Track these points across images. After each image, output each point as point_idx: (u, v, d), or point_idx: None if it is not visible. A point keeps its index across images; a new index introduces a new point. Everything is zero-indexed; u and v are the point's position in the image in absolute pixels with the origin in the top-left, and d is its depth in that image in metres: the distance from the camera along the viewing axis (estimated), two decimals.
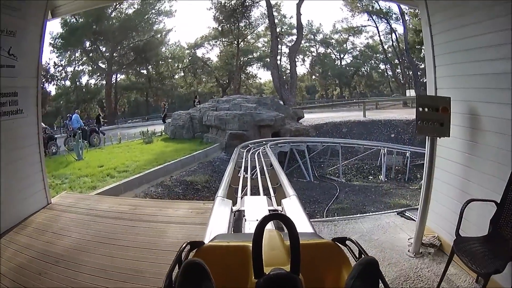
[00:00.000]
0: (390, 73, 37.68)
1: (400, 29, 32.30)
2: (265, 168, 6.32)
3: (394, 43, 33.49)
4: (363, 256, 1.30)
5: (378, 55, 36.95)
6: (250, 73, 37.80)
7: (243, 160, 8.14)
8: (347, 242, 1.46)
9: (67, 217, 4.83)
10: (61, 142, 14.67)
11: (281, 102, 21.61)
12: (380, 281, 1.18)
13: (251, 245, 1.18)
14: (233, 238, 1.72)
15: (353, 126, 17.80)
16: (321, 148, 14.75)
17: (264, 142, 12.70)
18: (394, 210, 5.06)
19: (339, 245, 1.48)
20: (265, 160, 7.48)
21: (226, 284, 1.36)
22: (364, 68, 38.46)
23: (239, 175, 6.03)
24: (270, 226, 1.80)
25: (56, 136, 16.34)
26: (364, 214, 4.96)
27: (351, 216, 4.94)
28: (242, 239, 1.53)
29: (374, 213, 4.97)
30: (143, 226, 4.15)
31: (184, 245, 1.39)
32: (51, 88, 31.88)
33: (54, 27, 33.82)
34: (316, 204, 9.22)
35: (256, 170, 6.94)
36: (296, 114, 19.82)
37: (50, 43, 30.89)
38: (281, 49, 32.00)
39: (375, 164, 15.04)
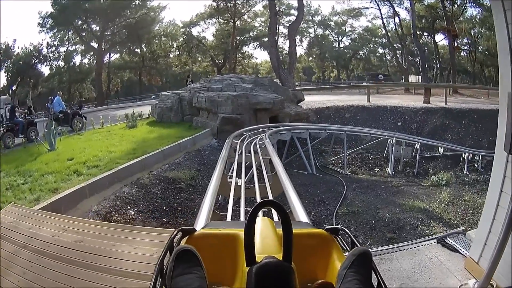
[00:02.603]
0: (389, 57, 36.78)
1: (402, 13, 30.68)
2: (264, 172, 5.04)
3: (397, 27, 31.79)
4: (356, 246, 1.29)
5: (377, 39, 36.02)
6: (246, 52, 36.64)
7: (236, 155, 6.87)
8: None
9: (2, 249, 3.70)
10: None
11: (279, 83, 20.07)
12: (373, 272, 1.17)
13: (243, 233, 1.17)
14: (225, 226, 1.66)
15: (357, 111, 16.32)
16: (325, 135, 13.31)
17: (261, 129, 11.33)
18: (434, 237, 3.90)
19: (332, 234, 1.46)
20: (264, 158, 6.18)
21: (218, 271, 1.35)
22: (362, 51, 37.60)
23: (229, 180, 4.75)
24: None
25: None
26: (398, 245, 3.74)
27: (382, 248, 3.70)
28: (235, 227, 1.51)
29: (410, 244, 3.77)
30: (86, 278, 2.89)
31: (175, 232, 1.39)
32: (45, 69, 31.13)
33: (43, 6, 32.88)
34: (322, 205, 7.96)
35: (253, 171, 5.65)
36: (296, 96, 18.19)
37: (39, 23, 29.92)
38: (278, 29, 30.26)
39: (380, 154, 13.81)
